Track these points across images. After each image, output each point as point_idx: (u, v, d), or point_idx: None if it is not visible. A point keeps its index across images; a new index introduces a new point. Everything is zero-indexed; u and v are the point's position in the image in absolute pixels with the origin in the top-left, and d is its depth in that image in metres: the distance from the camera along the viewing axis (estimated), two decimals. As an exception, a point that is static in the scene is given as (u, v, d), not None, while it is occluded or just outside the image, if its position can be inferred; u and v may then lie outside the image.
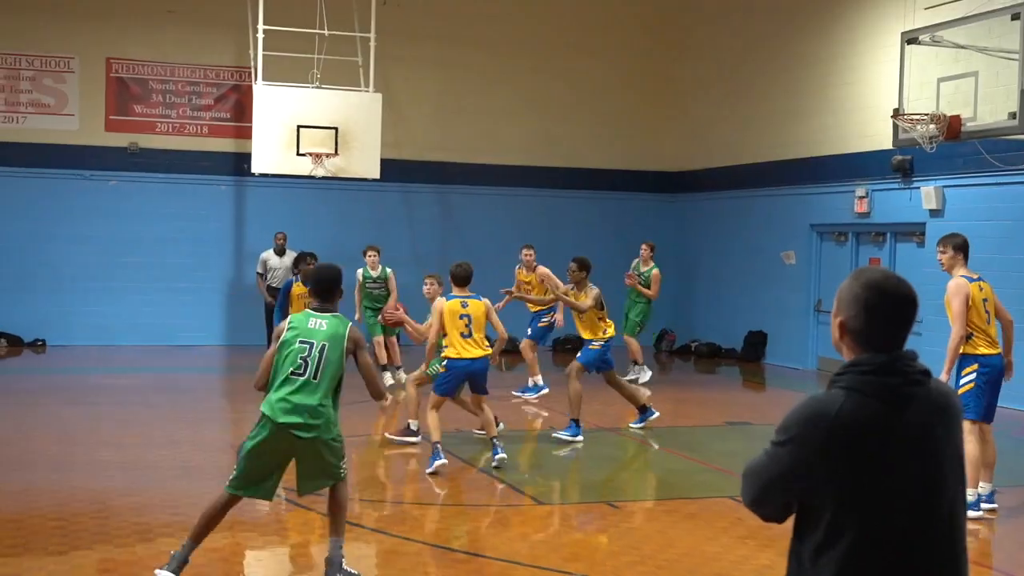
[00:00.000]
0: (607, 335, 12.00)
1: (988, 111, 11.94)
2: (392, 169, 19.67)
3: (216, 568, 7.35)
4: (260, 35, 17.75)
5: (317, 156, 17.57)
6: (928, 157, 14.67)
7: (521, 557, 7.64)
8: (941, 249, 9.25)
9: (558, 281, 14.18)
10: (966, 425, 8.17)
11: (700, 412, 14.82)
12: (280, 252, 17.84)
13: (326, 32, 18.02)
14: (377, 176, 18.17)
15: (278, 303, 12.82)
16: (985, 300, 9.07)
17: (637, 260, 17.19)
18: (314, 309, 6.88)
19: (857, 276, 3.07)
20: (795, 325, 19.79)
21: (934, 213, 16.40)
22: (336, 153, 17.70)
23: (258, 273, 17.92)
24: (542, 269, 15.23)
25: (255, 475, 6.71)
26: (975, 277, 9.17)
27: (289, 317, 7.01)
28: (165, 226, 20.35)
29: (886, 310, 3.01)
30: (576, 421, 11.86)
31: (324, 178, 18.18)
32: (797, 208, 19.74)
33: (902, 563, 2.90)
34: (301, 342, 6.67)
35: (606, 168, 23.03)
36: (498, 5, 22.38)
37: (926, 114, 12.20)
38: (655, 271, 16.83)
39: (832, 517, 2.90)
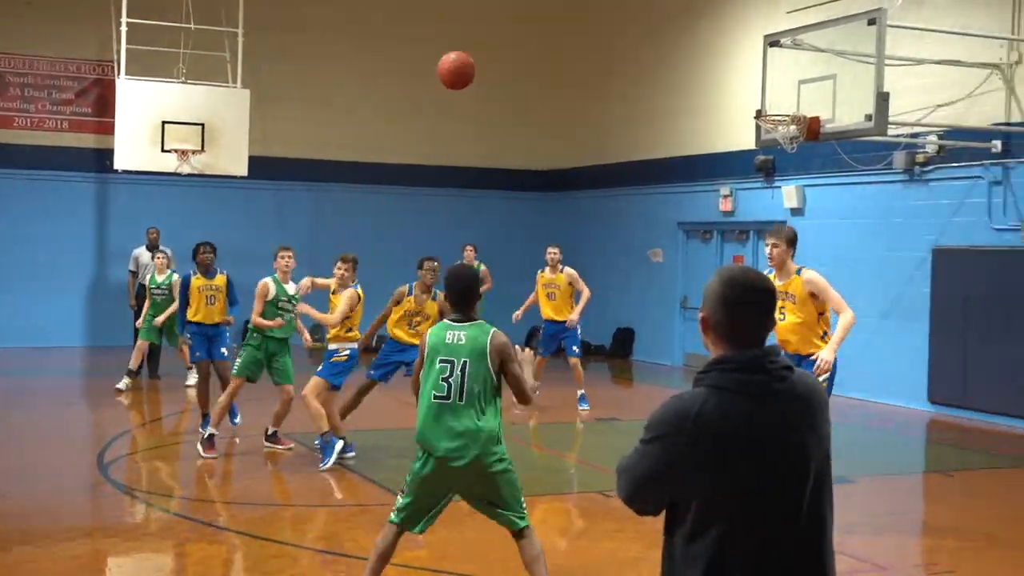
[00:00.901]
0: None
1: (846, 113, 12.27)
2: (262, 166, 19.39)
3: None
4: (123, 28, 17.30)
5: (183, 153, 17.22)
6: (789, 157, 15.06)
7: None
8: (774, 242, 8.59)
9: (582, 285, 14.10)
10: None
11: (570, 409, 14.95)
12: (153, 248, 17.08)
13: (192, 26, 17.68)
14: (245, 173, 17.88)
15: (180, 299, 12.36)
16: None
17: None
18: (452, 320, 6.15)
19: (719, 273, 3.16)
20: (662, 322, 20.14)
21: (795, 212, 16.85)
22: (203, 150, 17.38)
23: (130, 271, 17.08)
24: (570, 270, 14.41)
25: (422, 507, 6.13)
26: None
27: (429, 331, 6.21)
28: (25, 224, 19.73)
29: (745, 303, 3.09)
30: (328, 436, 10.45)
31: (191, 175, 17.83)
32: (664, 206, 20.09)
33: (768, 554, 2.97)
34: (442, 362, 5.97)
35: (482, 167, 23.09)
36: (372, 2, 22.22)
37: (787, 115, 12.49)
38: (484, 268, 16.87)
39: (699, 511, 2.97)
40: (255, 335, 11.00)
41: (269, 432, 11.22)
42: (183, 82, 17.68)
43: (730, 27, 18.52)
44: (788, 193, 16.86)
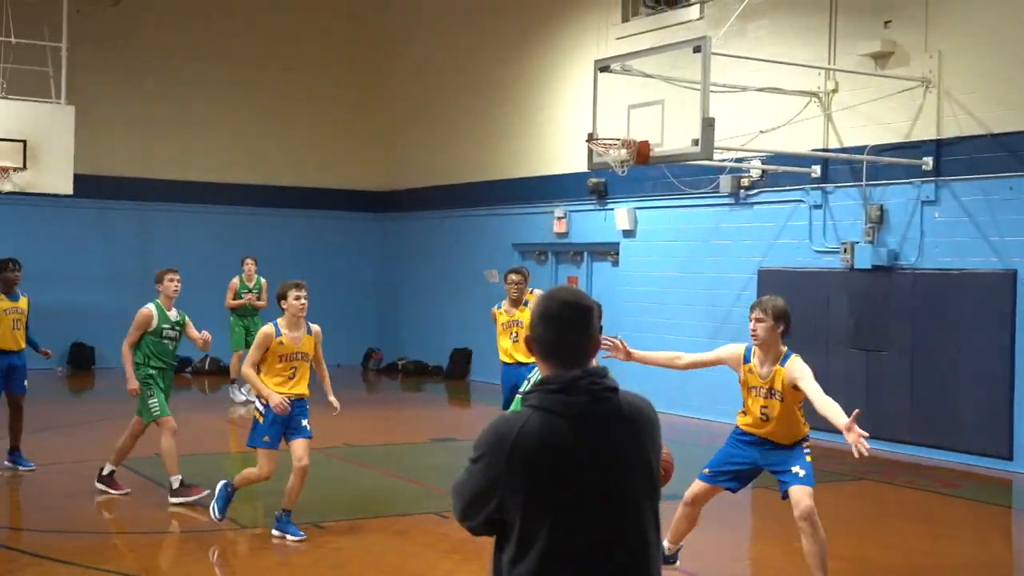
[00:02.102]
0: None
1: (674, 137, 12.56)
2: (87, 185, 18.79)
3: None
4: (-61, 40, 16.61)
5: (4, 170, 16.55)
6: (621, 180, 15.37)
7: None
8: (757, 316, 7.14)
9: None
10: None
11: (405, 429, 14.91)
12: None
13: (12, 40, 17.05)
14: (70, 191, 17.28)
15: None
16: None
17: (239, 277, 16.78)
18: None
19: (540, 294, 3.23)
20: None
21: (627, 233, 17.22)
22: (24, 167, 16.74)
23: None
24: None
25: None
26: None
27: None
28: None
29: (560, 321, 3.14)
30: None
31: (11, 193, 17.16)
32: (499, 228, 20.26)
33: (588, 573, 3.01)
34: None
35: (311, 187, 22.92)
36: (200, 16, 21.88)
37: (618, 139, 12.73)
38: (264, 282, 16.73)
39: (521, 530, 3.00)
40: (152, 368, 9.97)
41: (105, 472, 10.21)
42: (4, 97, 17.02)
43: (562, 51, 18.83)
44: (620, 215, 17.21)
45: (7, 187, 16.72)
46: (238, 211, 22.07)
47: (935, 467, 12.56)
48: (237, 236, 21.67)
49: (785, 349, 7.18)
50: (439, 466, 12.19)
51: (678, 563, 7.65)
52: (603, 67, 13.35)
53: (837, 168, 14.35)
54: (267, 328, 8.61)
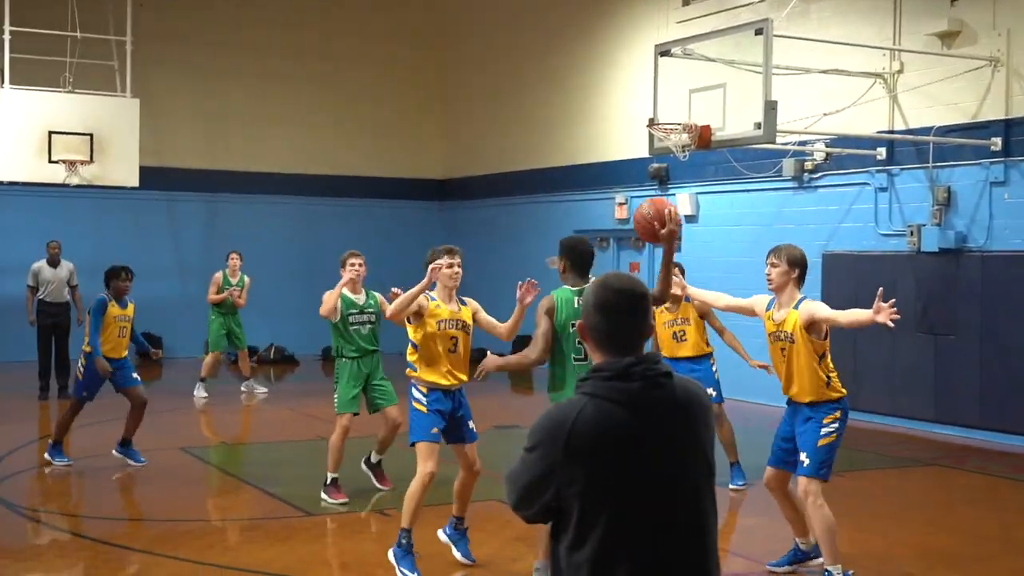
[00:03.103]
0: None
1: (736, 121, 12.48)
2: (153, 177, 19.07)
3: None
4: (7, 36, 16.89)
5: (71, 163, 16.86)
6: (682, 165, 15.28)
7: (292, 571, 7.56)
8: (772, 261, 7.32)
9: None
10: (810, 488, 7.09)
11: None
12: (54, 263, 16.05)
13: (79, 35, 17.32)
14: (136, 184, 17.56)
15: (93, 325, 10.78)
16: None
17: (223, 272, 16.28)
18: (575, 286, 6.86)
19: (594, 281, 3.22)
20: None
21: (689, 219, 17.11)
22: (92, 160, 17.03)
23: (29, 286, 16.18)
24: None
25: None
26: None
27: (554, 298, 6.80)
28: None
29: (614, 308, 3.15)
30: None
31: (79, 186, 17.46)
32: (561, 214, 20.23)
33: (647, 559, 3.01)
34: (573, 326, 6.53)
35: (375, 176, 23.04)
36: (264, 10, 22.07)
37: (679, 124, 12.66)
38: (248, 280, 16.45)
39: (579, 518, 3.00)
40: (344, 358, 9.63)
41: (372, 460, 10.02)
42: (70, 91, 17.30)
43: (622, 36, 18.74)
44: (682, 200, 17.11)
45: (75, 180, 17.02)
46: (302, 201, 22.25)
47: (1004, 452, 12.37)
48: (301, 226, 21.88)
49: (800, 295, 7.23)
50: (503, 454, 12.20)
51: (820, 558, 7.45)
52: (664, 51, 13.28)
53: (903, 150, 14.14)
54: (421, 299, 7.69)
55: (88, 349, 10.81)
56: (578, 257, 6.92)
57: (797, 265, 7.22)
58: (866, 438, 13.30)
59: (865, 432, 13.66)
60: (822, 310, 7.09)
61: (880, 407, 14.17)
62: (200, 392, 16.00)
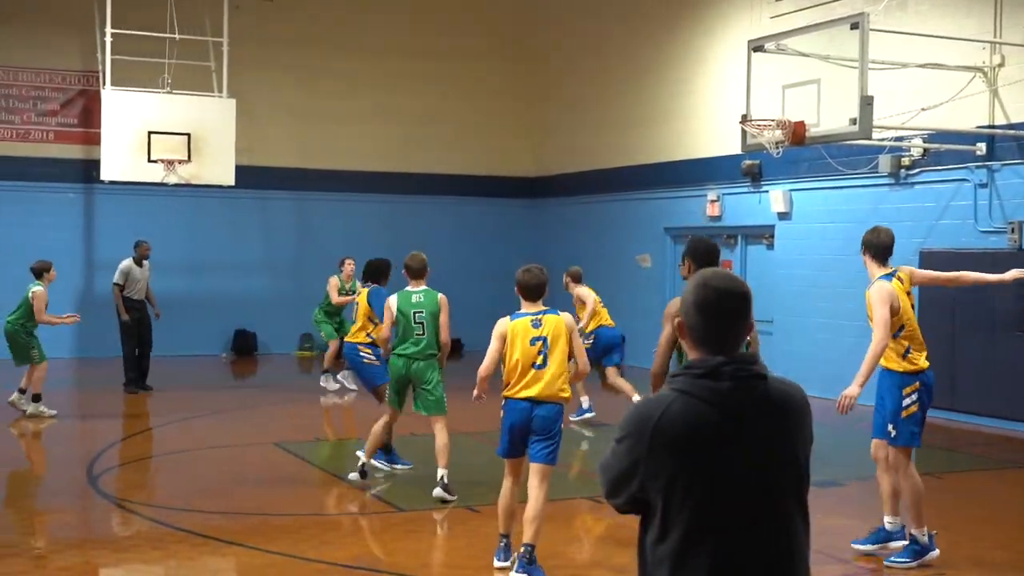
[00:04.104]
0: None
1: (831, 117, 12.31)
2: (247, 175, 19.38)
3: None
4: (108, 38, 17.28)
5: (169, 163, 17.20)
6: (775, 162, 15.10)
7: (382, 565, 7.62)
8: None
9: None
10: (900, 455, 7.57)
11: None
12: (141, 262, 16.27)
13: (176, 36, 17.67)
14: (232, 183, 17.86)
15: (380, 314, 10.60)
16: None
17: (338, 277, 16.29)
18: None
19: (694, 277, 3.20)
20: (653, 326, 20.09)
21: (782, 216, 16.90)
22: (189, 159, 17.36)
23: (116, 284, 16.49)
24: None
25: None
26: (890, 272, 7.70)
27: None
28: (11, 235, 19.66)
29: (715, 307, 3.12)
30: None
31: (177, 185, 17.81)
32: (651, 212, 20.12)
33: (727, 559, 3.00)
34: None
35: (464, 174, 23.15)
36: (353, 10, 22.29)
37: (772, 120, 12.53)
38: (359, 284, 16.39)
39: (663, 513, 3.01)
40: (395, 354, 9.67)
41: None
42: (168, 92, 17.65)
43: (713, 32, 18.57)
44: (775, 197, 16.91)
45: (173, 179, 17.37)
46: (392, 199, 22.43)
47: (1110, 456, 12.01)
48: (390, 224, 22.03)
49: (881, 272, 7.69)
50: (591, 451, 12.20)
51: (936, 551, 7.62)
52: (757, 47, 13.15)
53: (1004, 145, 13.80)
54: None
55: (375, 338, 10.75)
56: (702, 256, 6.73)
57: (870, 248, 7.75)
58: (963, 438, 13.03)
59: (962, 432, 13.38)
60: (874, 295, 7.53)
61: (977, 407, 13.86)
62: (329, 384, 16.36)
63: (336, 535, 8.61)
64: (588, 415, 13.92)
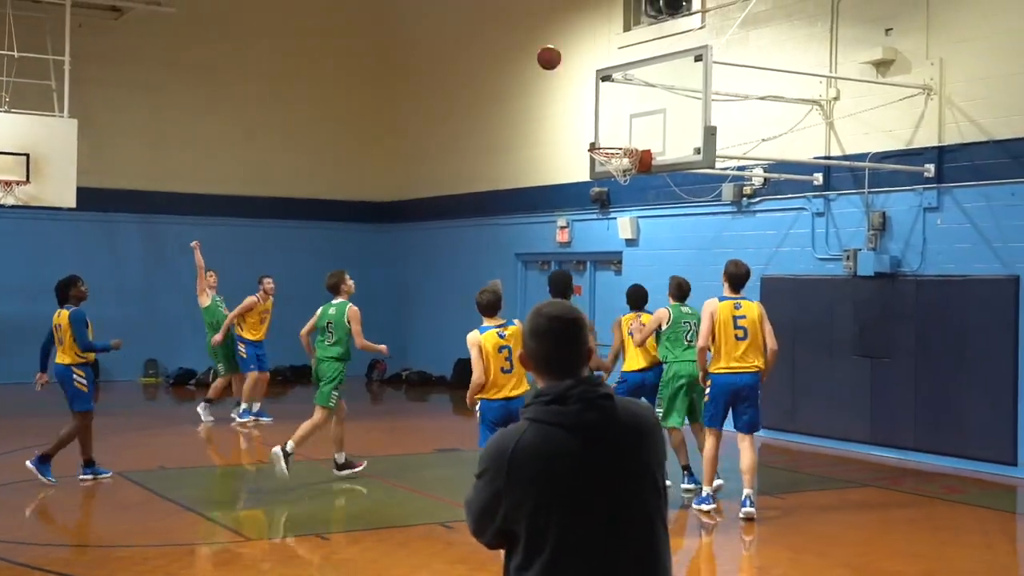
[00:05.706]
0: None
1: (676, 146, 12.56)
2: (92, 198, 18.86)
3: None
4: (-58, 55, 16.68)
5: (7, 183, 16.63)
6: (623, 189, 15.37)
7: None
8: None
9: None
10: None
11: (410, 440, 14.91)
12: None
13: (15, 54, 17.13)
14: (73, 204, 17.33)
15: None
16: (736, 319, 10.04)
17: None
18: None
19: (531, 311, 3.28)
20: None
21: (630, 242, 17.23)
22: (28, 180, 16.80)
23: None
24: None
25: None
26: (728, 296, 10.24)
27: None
28: None
29: (549, 333, 3.20)
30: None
31: (15, 207, 17.22)
32: (503, 237, 20.29)
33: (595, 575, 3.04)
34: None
35: (317, 198, 22.97)
36: (206, 31, 21.94)
37: (620, 148, 12.73)
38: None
39: (527, 540, 3.05)
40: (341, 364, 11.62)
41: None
42: (6, 111, 17.09)
43: (565, 61, 18.77)
44: (623, 224, 17.23)
45: (10, 200, 16.79)
46: (246, 223, 22.10)
47: (940, 473, 12.54)
48: (246, 248, 21.69)
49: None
50: (444, 477, 12.20)
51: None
52: (605, 76, 13.37)
53: (839, 175, 14.36)
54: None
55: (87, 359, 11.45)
56: (554, 286, 8.94)
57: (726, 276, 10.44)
58: (803, 459, 13.45)
59: (802, 454, 13.81)
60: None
61: (817, 429, 14.34)
62: (207, 415, 15.62)
63: (180, 567, 8.42)
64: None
